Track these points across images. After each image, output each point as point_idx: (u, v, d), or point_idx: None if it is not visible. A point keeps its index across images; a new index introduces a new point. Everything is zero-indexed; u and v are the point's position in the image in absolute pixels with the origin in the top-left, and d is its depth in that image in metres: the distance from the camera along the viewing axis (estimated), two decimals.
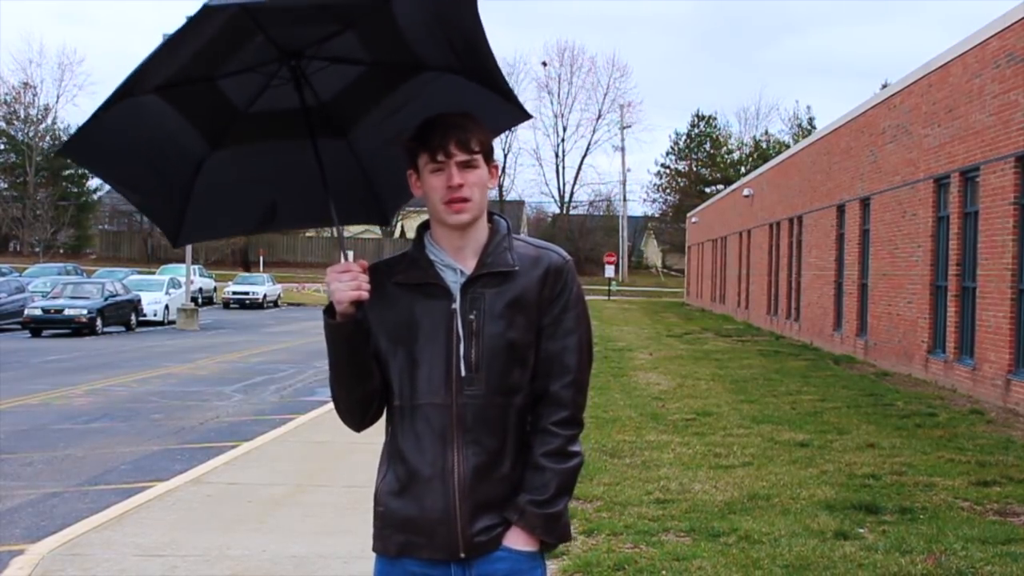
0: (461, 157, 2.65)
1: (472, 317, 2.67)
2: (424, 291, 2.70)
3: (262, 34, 2.56)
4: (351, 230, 76.85)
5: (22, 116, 77.59)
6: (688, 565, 6.44)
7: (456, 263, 2.70)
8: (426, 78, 2.77)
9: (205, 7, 2.31)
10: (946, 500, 8.47)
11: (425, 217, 2.83)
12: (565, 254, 2.78)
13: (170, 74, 2.56)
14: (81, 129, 2.60)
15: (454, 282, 2.69)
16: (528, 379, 2.71)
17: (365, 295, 2.61)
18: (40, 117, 77.95)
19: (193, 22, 2.36)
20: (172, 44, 2.40)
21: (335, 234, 2.91)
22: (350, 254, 2.81)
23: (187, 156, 2.82)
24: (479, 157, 2.68)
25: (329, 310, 2.64)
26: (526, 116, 2.85)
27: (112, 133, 2.64)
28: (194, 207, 2.90)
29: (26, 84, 77.86)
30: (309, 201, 2.89)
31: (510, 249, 2.72)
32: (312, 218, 3.06)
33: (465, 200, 2.66)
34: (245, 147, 2.86)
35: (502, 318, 2.67)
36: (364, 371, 2.70)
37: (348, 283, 2.60)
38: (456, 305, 2.68)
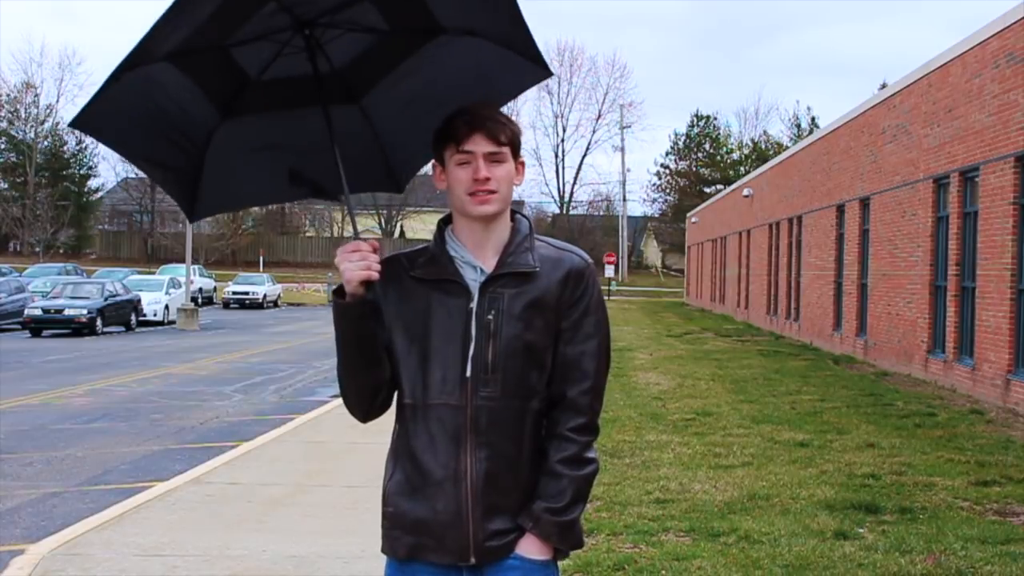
0: (489, 149, 2.60)
1: (490, 317, 2.61)
2: (442, 288, 2.64)
3: (274, 1, 2.50)
4: (349, 231, 76.61)
5: (23, 116, 77.60)
6: (688, 565, 6.44)
7: (476, 261, 2.65)
8: (442, 42, 2.70)
9: None
10: (946, 500, 8.47)
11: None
12: (587, 257, 2.73)
13: (182, 40, 2.50)
14: (92, 101, 2.53)
15: (473, 280, 2.64)
16: (545, 383, 2.66)
17: (375, 275, 2.57)
18: (43, 117, 77.96)
19: None
20: (182, 5, 2.34)
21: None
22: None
23: (199, 126, 2.75)
24: (507, 151, 2.63)
25: (339, 292, 2.60)
26: (548, 73, 2.78)
27: (124, 105, 2.58)
28: (208, 179, 2.83)
29: (27, 84, 77.90)
30: (326, 169, 2.83)
31: (531, 250, 2.67)
32: (329, 186, 2.98)
33: (491, 192, 2.61)
34: (256, 116, 2.79)
35: (520, 319, 2.61)
36: (372, 356, 2.64)
37: (358, 263, 2.55)
38: (474, 304, 2.62)
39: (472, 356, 2.61)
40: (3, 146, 76.88)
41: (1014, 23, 14.52)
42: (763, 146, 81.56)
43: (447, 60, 2.73)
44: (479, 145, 2.60)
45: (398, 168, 3.01)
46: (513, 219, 2.73)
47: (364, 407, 2.73)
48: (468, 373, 2.60)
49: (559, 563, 2.75)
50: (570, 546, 2.69)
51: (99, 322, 30.97)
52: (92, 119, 2.62)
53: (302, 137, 2.83)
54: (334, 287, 2.63)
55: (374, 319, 2.64)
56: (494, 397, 2.61)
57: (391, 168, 3.00)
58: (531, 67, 2.73)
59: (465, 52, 2.70)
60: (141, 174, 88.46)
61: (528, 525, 2.63)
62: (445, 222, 2.75)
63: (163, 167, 2.86)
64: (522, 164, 2.72)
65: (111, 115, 2.61)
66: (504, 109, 2.81)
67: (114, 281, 35.37)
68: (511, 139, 2.65)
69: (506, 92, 2.84)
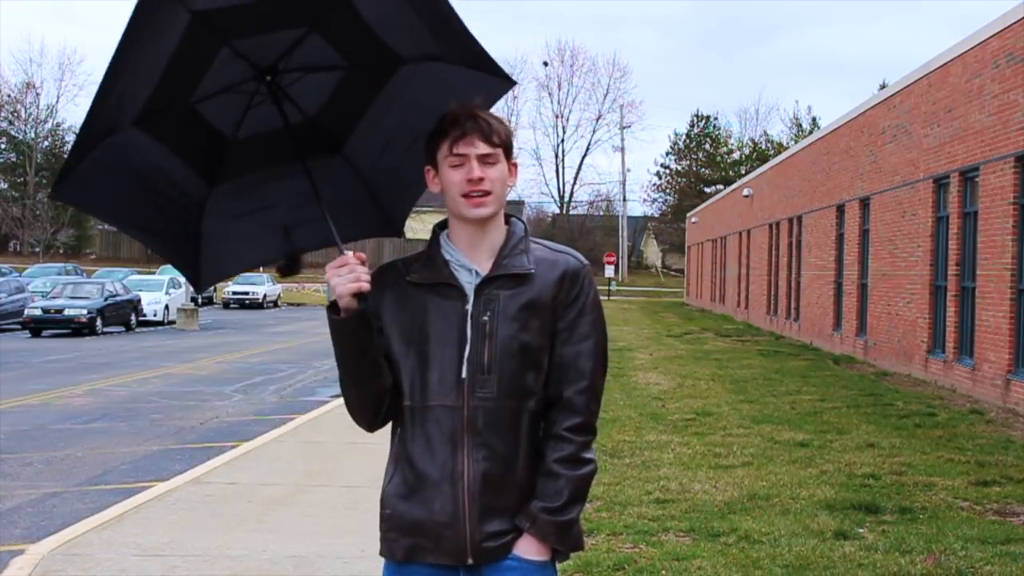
0: (483, 150, 2.61)
1: (486, 318, 2.62)
2: (438, 291, 2.65)
3: (226, 46, 2.50)
4: None
5: (23, 116, 77.62)
6: (688, 565, 6.44)
7: (472, 264, 2.66)
8: (406, 72, 2.70)
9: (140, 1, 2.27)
10: (946, 500, 8.47)
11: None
12: (583, 258, 2.74)
13: (145, 102, 2.49)
14: (68, 171, 2.51)
15: (468, 283, 2.65)
16: (542, 384, 2.66)
17: (366, 286, 2.57)
18: (43, 117, 77.97)
19: (136, 19, 2.30)
20: (129, 61, 2.33)
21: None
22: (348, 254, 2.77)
23: (187, 196, 2.74)
24: (500, 152, 2.64)
25: (333, 307, 2.60)
26: (511, 83, 2.76)
27: (106, 174, 2.56)
28: (207, 248, 2.83)
29: (28, 84, 77.90)
30: (320, 220, 2.80)
31: (526, 252, 2.68)
32: (328, 239, 2.94)
33: (486, 193, 2.61)
34: (244, 179, 2.79)
35: (516, 320, 2.62)
36: (373, 367, 2.65)
37: (347, 276, 2.56)
38: (469, 306, 2.63)
39: (467, 357, 2.61)
40: (3, 146, 76.92)
41: (1014, 23, 14.52)
42: (763, 146, 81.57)
43: (417, 91, 2.72)
44: (473, 147, 2.61)
45: (391, 210, 3.00)
46: (508, 222, 2.73)
47: (369, 417, 2.74)
48: (464, 374, 2.61)
49: (558, 565, 2.74)
50: (569, 547, 2.69)
51: (99, 322, 30.98)
52: (75, 190, 2.60)
53: (293, 194, 2.82)
54: (329, 303, 2.63)
55: (370, 330, 2.64)
56: (490, 398, 2.61)
57: (385, 211, 2.99)
58: (496, 80, 2.71)
59: (431, 78, 2.69)
60: None
61: (525, 525, 2.63)
62: (440, 227, 2.75)
63: (155, 233, 2.84)
64: (515, 165, 2.72)
65: (95, 185, 2.59)
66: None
67: (114, 281, 35.37)
68: (504, 141, 2.65)
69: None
